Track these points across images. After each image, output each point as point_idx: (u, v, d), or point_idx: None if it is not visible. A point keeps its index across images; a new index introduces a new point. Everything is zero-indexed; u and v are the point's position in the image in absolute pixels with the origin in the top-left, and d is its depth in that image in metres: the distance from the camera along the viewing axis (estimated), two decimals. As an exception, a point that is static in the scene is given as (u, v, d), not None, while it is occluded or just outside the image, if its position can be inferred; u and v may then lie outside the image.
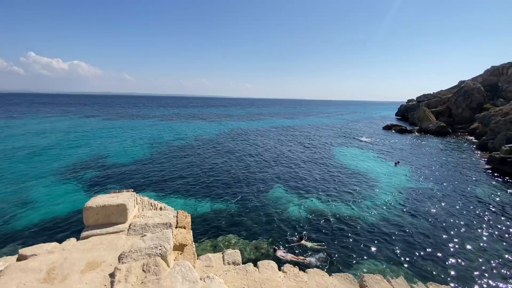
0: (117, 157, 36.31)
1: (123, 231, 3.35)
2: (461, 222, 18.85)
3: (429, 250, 15.48)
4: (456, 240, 16.59)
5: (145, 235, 3.18)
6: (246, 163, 34.30)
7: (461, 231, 17.69)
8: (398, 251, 15.27)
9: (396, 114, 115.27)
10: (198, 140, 50.79)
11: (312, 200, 22.76)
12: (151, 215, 3.73)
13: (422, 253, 15.18)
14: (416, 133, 63.79)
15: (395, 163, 33.37)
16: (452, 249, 15.59)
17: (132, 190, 4.14)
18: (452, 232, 17.47)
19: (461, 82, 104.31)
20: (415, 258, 14.71)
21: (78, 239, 3.88)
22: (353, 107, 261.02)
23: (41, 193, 23.50)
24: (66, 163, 32.52)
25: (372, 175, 29.34)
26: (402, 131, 64.47)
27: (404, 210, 20.77)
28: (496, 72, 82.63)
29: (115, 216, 3.39)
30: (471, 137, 58.33)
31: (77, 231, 17.73)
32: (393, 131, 66.62)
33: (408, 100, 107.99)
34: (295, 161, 35.44)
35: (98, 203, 3.46)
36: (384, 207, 21.24)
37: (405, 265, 14.03)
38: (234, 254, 6.02)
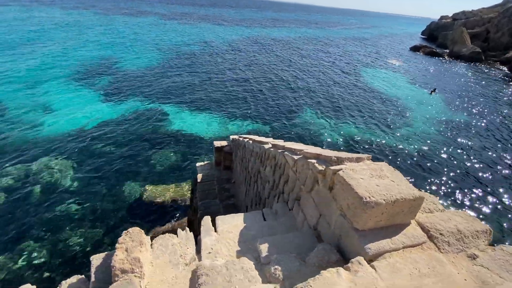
0: (128, 62, 32.92)
1: (424, 242, 1.97)
2: (501, 159, 18.49)
3: (468, 183, 15.48)
4: (496, 176, 16.48)
5: (475, 256, 1.85)
6: (270, 79, 31.63)
7: (503, 168, 17.45)
8: (435, 182, 15.25)
9: (423, 33, 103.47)
10: (211, 47, 45.75)
11: (346, 126, 21.74)
12: (434, 205, 2.33)
13: (460, 184, 15.20)
14: (446, 57, 58.43)
15: (431, 91, 31.14)
16: (493, 184, 15.59)
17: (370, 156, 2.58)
18: (492, 168, 17.26)
19: (507, 1, 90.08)
20: (454, 190, 14.77)
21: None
22: (374, 19, 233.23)
23: (58, 99, 21.75)
24: (73, 64, 29.47)
25: (407, 102, 27.61)
26: (431, 53, 58.76)
27: (442, 142, 20.10)
28: (557, -11, 70.04)
29: (403, 215, 2.02)
30: (503, 67, 53.83)
31: (108, 143, 17.00)
32: (421, 53, 60.73)
33: (441, 17, 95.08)
34: (322, 81, 32.78)
35: (384, 196, 1.93)
36: (421, 138, 20.49)
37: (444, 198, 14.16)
38: None
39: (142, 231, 2.64)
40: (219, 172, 9.22)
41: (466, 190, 15.14)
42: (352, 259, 1.86)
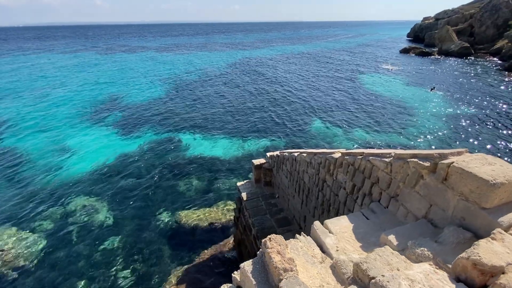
0: (133, 96, 34.06)
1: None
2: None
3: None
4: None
5: None
6: (274, 96, 32.61)
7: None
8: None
9: (408, 35, 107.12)
10: (209, 73, 47.34)
11: (356, 131, 22.31)
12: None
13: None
14: (436, 55, 60.28)
15: (431, 89, 32.07)
16: None
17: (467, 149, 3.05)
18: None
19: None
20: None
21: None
22: (359, 28, 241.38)
23: (76, 139, 22.43)
24: (84, 104, 30.49)
25: (410, 102, 28.39)
26: (422, 53, 60.69)
27: (452, 135, 20.58)
28: (529, -20, 73.35)
29: (518, 193, 2.41)
30: (494, 58, 55.40)
31: (133, 176, 17.44)
32: (412, 54, 62.72)
33: (423, 18, 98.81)
34: (324, 92, 33.79)
35: (504, 177, 2.40)
36: (432, 134, 20.99)
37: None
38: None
39: (282, 236, 3.06)
40: (261, 189, 9.61)
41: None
42: (493, 231, 2.29)
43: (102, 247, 12.11)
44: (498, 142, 19.63)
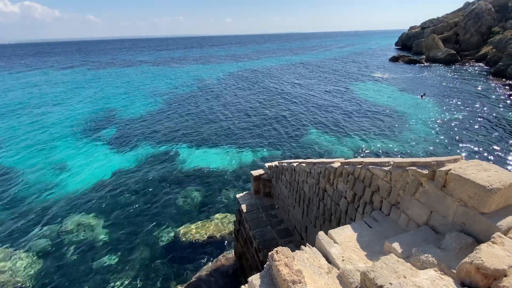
0: (129, 110, 34.07)
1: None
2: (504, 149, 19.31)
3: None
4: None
5: None
6: (270, 107, 32.96)
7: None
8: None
9: (396, 44, 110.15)
10: (205, 85, 47.75)
11: (351, 139, 22.56)
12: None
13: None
14: (424, 63, 61.97)
15: (421, 96, 32.83)
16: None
17: (462, 157, 3.17)
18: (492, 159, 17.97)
19: (467, 4, 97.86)
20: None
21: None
22: (349, 38, 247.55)
23: (71, 156, 22.19)
24: (79, 121, 30.35)
25: (402, 109, 28.95)
26: (410, 61, 62.36)
27: (444, 139, 20.97)
28: (508, -11, 76.69)
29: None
30: (480, 64, 57.14)
31: (130, 191, 17.28)
32: (401, 62, 64.38)
33: (410, 28, 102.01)
34: (319, 100, 34.29)
35: (500, 182, 2.51)
36: (424, 139, 21.37)
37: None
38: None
39: (288, 248, 3.09)
40: (261, 200, 9.62)
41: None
42: (493, 235, 2.38)
43: (99, 264, 11.84)
44: (488, 146, 20.04)
